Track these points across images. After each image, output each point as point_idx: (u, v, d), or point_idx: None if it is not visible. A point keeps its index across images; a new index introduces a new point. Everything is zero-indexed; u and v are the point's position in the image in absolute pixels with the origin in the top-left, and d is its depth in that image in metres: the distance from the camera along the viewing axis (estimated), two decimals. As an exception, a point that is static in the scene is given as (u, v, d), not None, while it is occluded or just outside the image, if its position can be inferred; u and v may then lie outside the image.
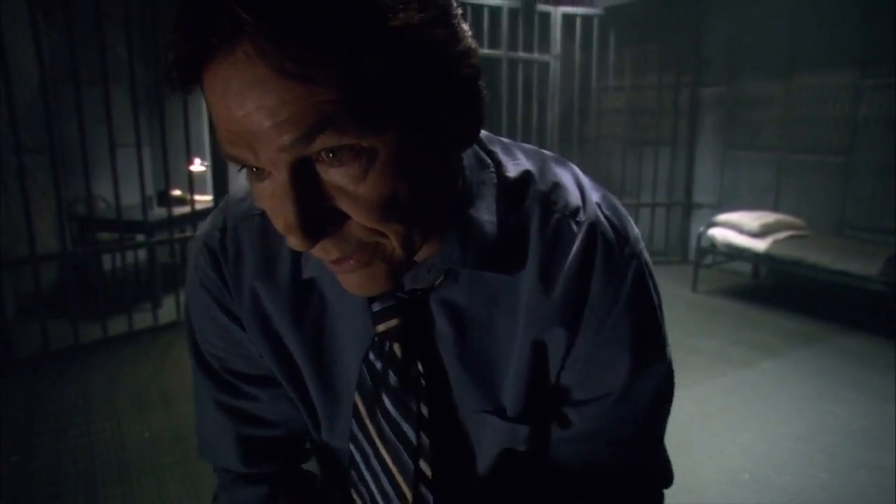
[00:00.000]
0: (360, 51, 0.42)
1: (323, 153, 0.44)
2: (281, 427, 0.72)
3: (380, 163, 0.45)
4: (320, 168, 0.45)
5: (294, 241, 0.46)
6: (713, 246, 5.04)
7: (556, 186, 0.62)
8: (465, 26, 0.50)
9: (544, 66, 5.64)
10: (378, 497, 0.67)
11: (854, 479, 2.46)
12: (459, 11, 0.49)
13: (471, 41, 0.50)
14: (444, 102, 0.48)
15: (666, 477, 0.70)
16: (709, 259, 5.28)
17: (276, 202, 0.46)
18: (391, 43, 0.43)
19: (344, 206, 0.46)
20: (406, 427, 0.63)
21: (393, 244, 0.49)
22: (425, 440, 0.63)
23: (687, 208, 6.12)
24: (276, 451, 0.73)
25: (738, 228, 4.82)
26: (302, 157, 0.44)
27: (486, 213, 0.58)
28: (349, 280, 0.52)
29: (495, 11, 5.21)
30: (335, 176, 0.45)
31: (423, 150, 0.48)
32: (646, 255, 0.63)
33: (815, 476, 2.49)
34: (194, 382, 0.74)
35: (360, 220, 0.47)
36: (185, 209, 4.34)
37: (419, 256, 0.58)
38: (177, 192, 4.56)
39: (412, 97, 0.45)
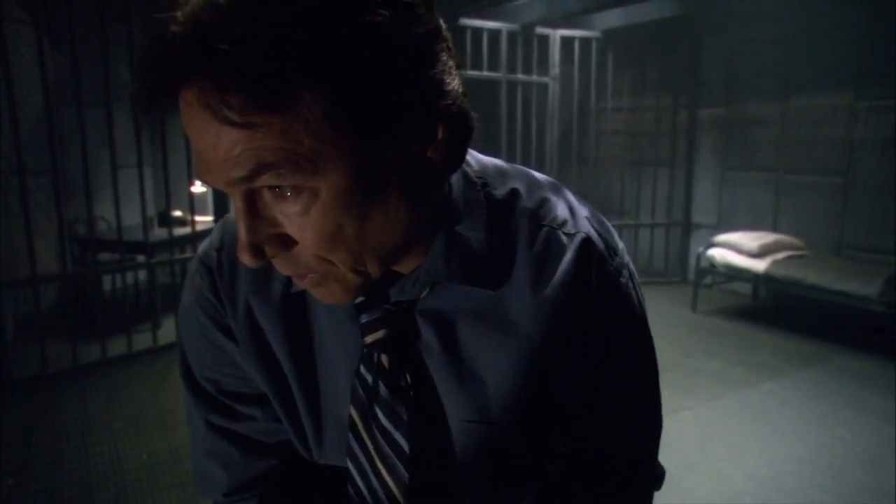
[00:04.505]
0: (301, 102, 0.43)
1: (267, 187, 0.47)
2: (276, 450, 0.72)
3: (322, 200, 0.47)
4: (269, 197, 0.48)
5: (244, 258, 0.50)
6: (712, 266, 5.04)
7: (544, 202, 0.64)
8: (442, 65, 0.49)
9: (543, 88, 5.69)
10: None
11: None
12: (440, 47, 0.49)
13: (445, 78, 0.50)
14: (409, 141, 0.49)
15: (656, 479, 0.72)
16: (708, 279, 5.28)
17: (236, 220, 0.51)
18: (337, 93, 0.44)
19: (291, 232, 0.50)
20: (398, 436, 0.63)
21: (343, 270, 0.52)
22: (417, 449, 0.64)
23: (686, 229, 6.14)
24: (271, 474, 0.72)
25: (737, 249, 4.83)
26: (249, 188, 0.47)
27: (472, 230, 0.60)
28: (311, 291, 0.56)
29: (494, 34, 5.27)
30: (281, 207, 0.48)
31: (379, 187, 0.49)
32: (631, 265, 0.67)
33: (818, 499, 2.47)
34: (188, 409, 0.73)
35: (304, 247, 0.50)
36: (186, 230, 4.36)
37: (405, 269, 0.60)
38: (177, 213, 4.58)
39: (362, 141, 0.46)
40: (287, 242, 0.50)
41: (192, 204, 4.21)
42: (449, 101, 0.50)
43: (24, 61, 3.86)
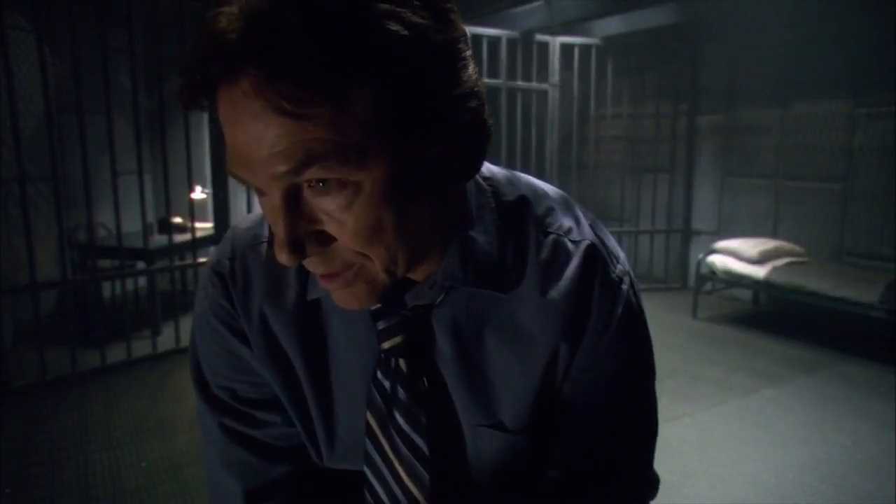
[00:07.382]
0: (353, 95, 0.44)
1: (312, 181, 0.47)
2: (293, 456, 0.71)
3: (365, 195, 0.48)
4: (309, 193, 0.49)
5: (282, 258, 0.50)
6: (713, 273, 5.04)
7: (551, 210, 0.66)
8: (471, 69, 0.52)
9: (543, 95, 5.71)
10: None
11: (859, 510, 2.43)
12: (468, 53, 0.52)
13: (476, 82, 0.52)
14: (442, 140, 0.51)
15: (651, 486, 0.72)
16: (708, 286, 5.28)
17: (272, 219, 0.51)
18: (386, 87, 0.45)
19: (330, 229, 0.50)
20: (418, 439, 0.64)
21: (376, 268, 0.53)
22: (436, 451, 0.65)
23: (686, 235, 6.14)
24: (288, 480, 0.72)
25: (737, 255, 4.83)
26: (292, 183, 0.48)
27: (484, 235, 0.62)
28: (335, 295, 0.57)
29: (494, 41, 5.29)
30: (322, 203, 0.49)
31: (414, 184, 0.51)
32: (632, 272, 0.68)
33: (819, 507, 2.46)
34: (201, 420, 0.72)
35: (344, 243, 0.51)
36: (186, 236, 4.35)
37: (421, 275, 0.61)
38: (177, 220, 4.58)
39: (404, 136, 0.48)
40: (324, 239, 0.51)
41: (192, 211, 4.21)
42: (480, 103, 0.53)
43: (25, 68, 3.87)
